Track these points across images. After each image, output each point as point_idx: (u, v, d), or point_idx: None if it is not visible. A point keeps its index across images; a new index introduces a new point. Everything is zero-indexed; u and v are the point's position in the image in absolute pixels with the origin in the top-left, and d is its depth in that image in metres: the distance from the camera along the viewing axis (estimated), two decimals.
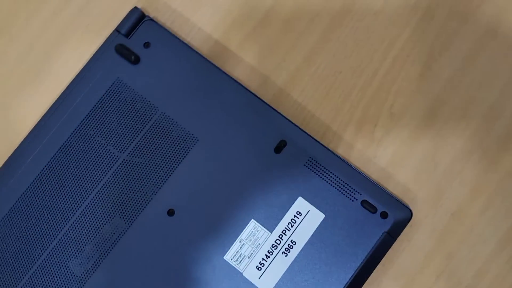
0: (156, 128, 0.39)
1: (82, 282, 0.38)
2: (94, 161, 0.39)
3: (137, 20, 0.41)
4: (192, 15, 0.43)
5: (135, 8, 0.41)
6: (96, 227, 0.38)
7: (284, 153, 0.38)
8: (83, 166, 0.39)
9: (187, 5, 0.43)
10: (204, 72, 0.40)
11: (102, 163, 0.39)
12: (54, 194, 0.39)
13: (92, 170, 0.39)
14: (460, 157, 0.39)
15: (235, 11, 0.42)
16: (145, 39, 0.41)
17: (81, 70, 0.41)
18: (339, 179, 0.37)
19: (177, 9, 0.43)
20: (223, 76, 0.40)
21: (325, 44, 0.41)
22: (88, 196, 0.39)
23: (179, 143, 0.39)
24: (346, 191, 0.37)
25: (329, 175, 0.38)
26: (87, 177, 0.39)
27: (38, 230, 0.38)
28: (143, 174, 0.39)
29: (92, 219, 0.38)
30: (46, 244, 0.38)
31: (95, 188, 0.39)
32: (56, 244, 0.38)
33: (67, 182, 0.39)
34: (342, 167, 0.38)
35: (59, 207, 0.39)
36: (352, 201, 0.37)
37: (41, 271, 0.38)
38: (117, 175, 0.39)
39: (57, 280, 0.38)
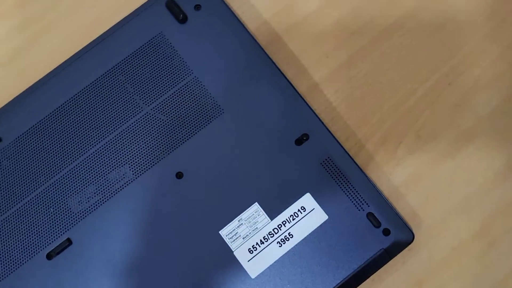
0: (186, 90, 0.39)
1: (76, 220, 0.38)
2: (117, 107, 0.39)
3: None
4: None
5: None
6: (103, 170, 0.38)
7: (304, 146, 0.38)
8: (106, 109, 0.39)
9: None
10: (246, 48, 0.40)
11: (125, 110, 0.39)
12: (71, 129, 0.39)
13: (114, 115, 0.39)
14: (476, 194, 0.39)
15: None
16: (197, 1, 0.40)
17: (127, 16, 0.41)
18: (351, 186, 0.37)
19: None
20: (263, 57, 0.39)
21: (372, 51, 0.41)
22: (103, 139, 0.39)
23: (204, 110, 0.39)
24: (355, 199, 0.37)
25: (342, 179, 0.37)
26: (107, 120, 0.39)
27: (47, 159, 0.39)
28: (161, 131, 0.39)
29: (102, 161, 0.38)
30: (52, 174, 0.38)
31: (112, 132, 0.39)
32: (62, 176, 0.38)
33: (86, 121, 0.39)
34: (357, 175, 0.37)
35: (73, 142, 0.39)
36: (359, 210, 0.37)
37: (40, 199, 0.38)
38: (137, 126, 0.39)
39: (53, 211, 0.38)
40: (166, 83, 0.40)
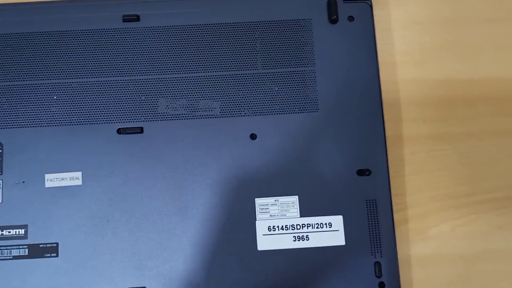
0: (300, 74, 0.43)
1: (156, 118, 0.42)
2: (241, 54, 0.44)
3: None
4: (397, 31, 0.46)
5: None
6: (200, 94, 0.43)
7: (361, 179, 0.42)
8: (232, 50, 0.44)
9: (402, 20, 0.46)
10: (367, 73, 0.43)
11: (244, 61, 0.43)
12: (198, 48, 0.44)
13: (234, 58, 0.44)
14: None
15: (429, 59, 0.46)
16: (354, 14, 0.44)
17: None
18: (378, 233, 0.41)
19: (392, 15, 0.46)
20: (375, 89, 0.43)
21: (463, 141, 0.44)
22: (215, 71, 0.43)
23: (303, 100, 0.43)
24: (374, 245, 0.41)
25: (374, 223, 0.41)
26: (226, 59, 0.43)
27: (166, 58, 0.43)
28: (260, 93, 0.43)
29: (204, 87, 0.43)
30: (161, 72, 0.43)
31: (223, 71, 0.43)
32: (168, 78, 0.43)
33: (212, 49, 0.44)
34: (388, 228, 0.41)
35: (192, 58, 0.43)
36: (371, 255, 0.41)
37: (142, 83, 0.43)
38: (245, 77, 0.43)
39: (144, 100, 0.43)
40: (288, 60, 0.44)
